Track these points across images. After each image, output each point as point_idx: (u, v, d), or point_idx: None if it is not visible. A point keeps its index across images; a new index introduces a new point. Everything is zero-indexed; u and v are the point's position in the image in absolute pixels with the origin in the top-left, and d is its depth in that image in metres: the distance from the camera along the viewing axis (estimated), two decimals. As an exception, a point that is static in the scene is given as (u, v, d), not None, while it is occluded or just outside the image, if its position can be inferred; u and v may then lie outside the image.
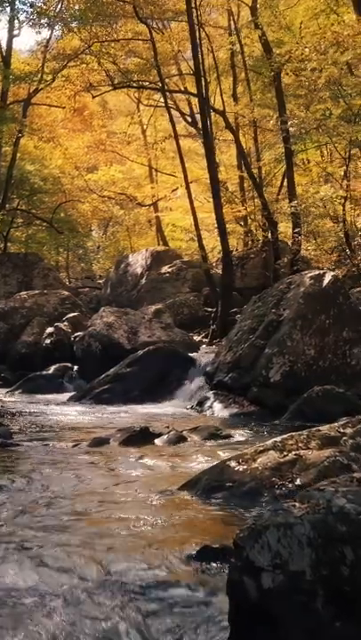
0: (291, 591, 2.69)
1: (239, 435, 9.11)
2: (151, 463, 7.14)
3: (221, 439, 8.74)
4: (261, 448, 5.89)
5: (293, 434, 6.10)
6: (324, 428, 6.18)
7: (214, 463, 6.79)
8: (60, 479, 6.36)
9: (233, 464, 5.80)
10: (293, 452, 5.75)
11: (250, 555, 2.80)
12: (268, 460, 5.70)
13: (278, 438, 6.04)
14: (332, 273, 13.09)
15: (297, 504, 2.96)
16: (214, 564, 3.94)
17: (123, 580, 3.78)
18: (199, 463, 7.10)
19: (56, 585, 3.77)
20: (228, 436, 8.90)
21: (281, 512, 2.91)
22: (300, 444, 5.87)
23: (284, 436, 6.10)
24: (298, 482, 5.42)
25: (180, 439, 8.57)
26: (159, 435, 8.76)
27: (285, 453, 5.76)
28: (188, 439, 8.68)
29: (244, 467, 5.70)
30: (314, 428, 6.23)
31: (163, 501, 5.53)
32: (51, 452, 7.97)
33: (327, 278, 12.53)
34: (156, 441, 8.59)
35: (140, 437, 8.55)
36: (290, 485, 5.41)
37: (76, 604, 3.51)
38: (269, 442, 5.99)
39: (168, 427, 9.19)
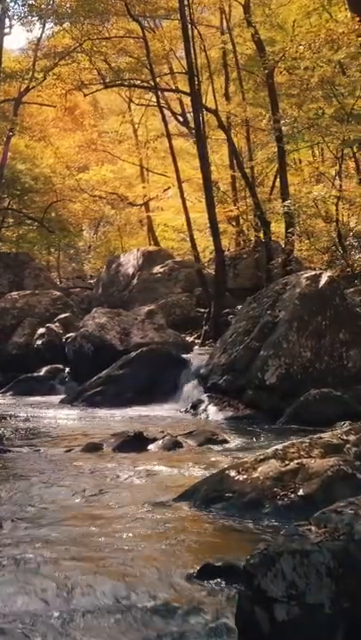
0: (308, 625, 2.47)
1: (236, 439, 8.90)
2: (146, 471, 6.91)
3: (218, 444, 8.53)
4: (262, 456, 5.67)
5: (295, 441, 5.88)
6: (327, 435, 5.97)
7: (213, 471, 6.60)
8: (52, 489, 6.13)
9: (233, 473, 5.57)
10: (295, 461, 5.53)
11: (262, 583, 2.57)
12: (270, 469, 5.48)
13: (279, 446, 5.81)
14: (328, 273, 12.87)
15: (313, 528, 2.73)
16: (218, 585, 3.70)
17: (117, 604, 3.53)
18: (196, 470, 6.88)
19: (45, 609, 3.52)
20: (225, 441, 8.68)
21: (296, 537, 2.68)
22: (301, 453, 5.65)
23: (286, 443, 5.88)
24: (301, 492, 5.21)
25: (176, 445, 8.35)
26: (154, 440, 8.53)
27: (287, 462, 5.54)
28: (184, 444, 8.46)
29: (245, 476, 5.48)
30: (316, 435, 6.01)
31: (159, 513, 5.30)
32: (42, 458, 7.74)
33: (324, 279, 12.31)
34: (151, 446, 8.36)
35: (134, 443, 8.33)
36: (292, 496, 5.21)
37: (68, 630, 3.28)
38: (270, 450, 5.77)
39: (163, 431, 8.96)
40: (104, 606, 3.50)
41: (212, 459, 7.56)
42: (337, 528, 2.65)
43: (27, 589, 3.73)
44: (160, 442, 8.40)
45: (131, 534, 4.72)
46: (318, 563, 2.54)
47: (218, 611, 3.32)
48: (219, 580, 3.73)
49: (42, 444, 8.80)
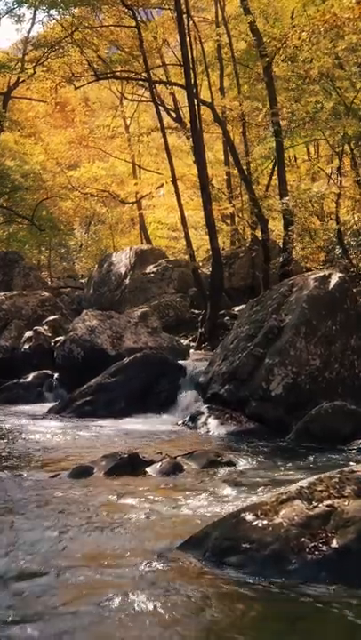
0: None
1: (242, 461, 7.93)
2: (143, 503, 5.96)
3: (222, 467, 7.57)
4: (284, 496, 4.71)
5: (322, 477, 4.91)
6: (360, 469, 5.01)
7: (220, 505, 5.72)
8: (29, 529, 5.18)
9: (249, 517, 4.60)
10: (325, 502, 4.59)
11: None
12: (294, 512, 4.53)
13: (304, 483, 4.85)
14: (338, 274, 11.87)
15: None
16: None
17: None
18: (201, 504, 5.93)
19: None
20: (231, 464, 7.72)
21: None
22: (331, 491, 4.71)
23: (311, 479, 4.91)
24: (334, 544, 4.28)
25: (176, 468, 7.39)
26: (150, 462, 7.57)
27: (315, 504, 4.60)
28: (185, 467, 7.50)
29: (264, 522, 4.51)
30: (346, 469, 5.05)
31: (160, 568, 4.35)
32: (23, 486, 6.76)
33: (333, 280, 11.34)
34: (148, 470, 7.42)
35: (128, 466, 7.38)
36: (324, 548, 4.27)
37: None
38: (293, 488, 4.81)
39: (160, 452, 7.99)
40: None
41: (219, 487, 6.61)
42: None
43: None
44: (158, 465, 7.44)
45: (122, 602, 3.78)
46: None
47: None
48: None
49: (25, 466, 7.81)
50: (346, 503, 4.56)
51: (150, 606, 3.74)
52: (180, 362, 14.31)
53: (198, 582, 4.13)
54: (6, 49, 34.54)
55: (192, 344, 20.22)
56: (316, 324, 10.90)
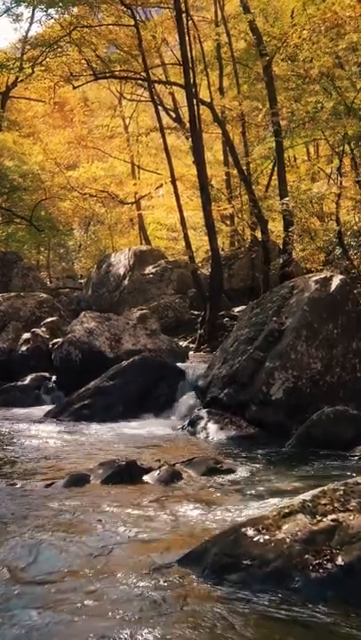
0: None
1: (242, 468, 7.73)
2: (140, 515, 5.77)
3: (222, 475, 7.37)
4: (287, 510, 4.52)
5: (326, 489, 4.72)
6: (364, 481, 4.83)
7: (220, 515, 5.54)
8: (16, 544, 4.96)
9: (250, 532, 4.40)
10: (329, 517, 4.40)
11: None
12: (298, 527, 4.34)
13: (308, 496, 4.66)
14: (339, 276, 11.69)
15: None
16: None
17: None
18: (200, 515, 5.74)
19: None
20: (230, 471, 7.52)
21: None
22: (336, 505, 4.52)
23: (315, 491, 4.72)
24: (339, 560, 4.09)
25: (174, 476, 7.20)
26: (149, 470, 7.39)
27: (319, 518, 4.41)
28: (184, 475, 7.31)
29: (266, 537, 4.32)
30: (351, 480, 4.85)
31: (157, 587, 4.15)
32: (16, 495, 6.56)
33: (334, 282, 11.14)
34: (146, 478, 7.23)
35: (126, 474, 7.18)
36: (329, 566, 4.09)
37: None
38: (296, 501, 4.62)
39: (159, 460, 7.80)
40: None
41: (218, 497, 6.43)
42: None
43: None
44: (156, 473, 7.26)
45: (115, 623, 3.59)
46: None
47: None
48: None
49: (19, 473, 7.62)
50: (351, 517, 4.38)
51: (145, 628, 3.56)
52: (179, 365, 14.15)
53: (196, 601, 3.94)
54: (4, 48, 34.28)
55: (191, 345, 20.06)
56: (317, 327, 10.71)
